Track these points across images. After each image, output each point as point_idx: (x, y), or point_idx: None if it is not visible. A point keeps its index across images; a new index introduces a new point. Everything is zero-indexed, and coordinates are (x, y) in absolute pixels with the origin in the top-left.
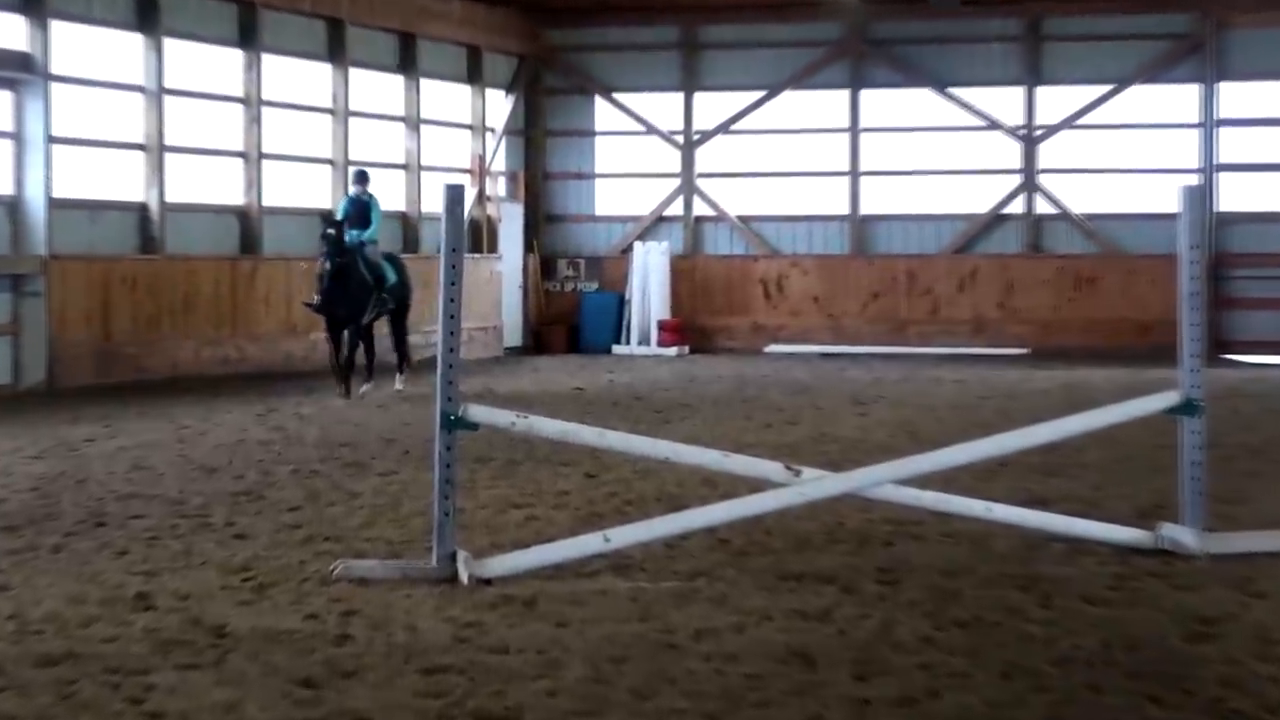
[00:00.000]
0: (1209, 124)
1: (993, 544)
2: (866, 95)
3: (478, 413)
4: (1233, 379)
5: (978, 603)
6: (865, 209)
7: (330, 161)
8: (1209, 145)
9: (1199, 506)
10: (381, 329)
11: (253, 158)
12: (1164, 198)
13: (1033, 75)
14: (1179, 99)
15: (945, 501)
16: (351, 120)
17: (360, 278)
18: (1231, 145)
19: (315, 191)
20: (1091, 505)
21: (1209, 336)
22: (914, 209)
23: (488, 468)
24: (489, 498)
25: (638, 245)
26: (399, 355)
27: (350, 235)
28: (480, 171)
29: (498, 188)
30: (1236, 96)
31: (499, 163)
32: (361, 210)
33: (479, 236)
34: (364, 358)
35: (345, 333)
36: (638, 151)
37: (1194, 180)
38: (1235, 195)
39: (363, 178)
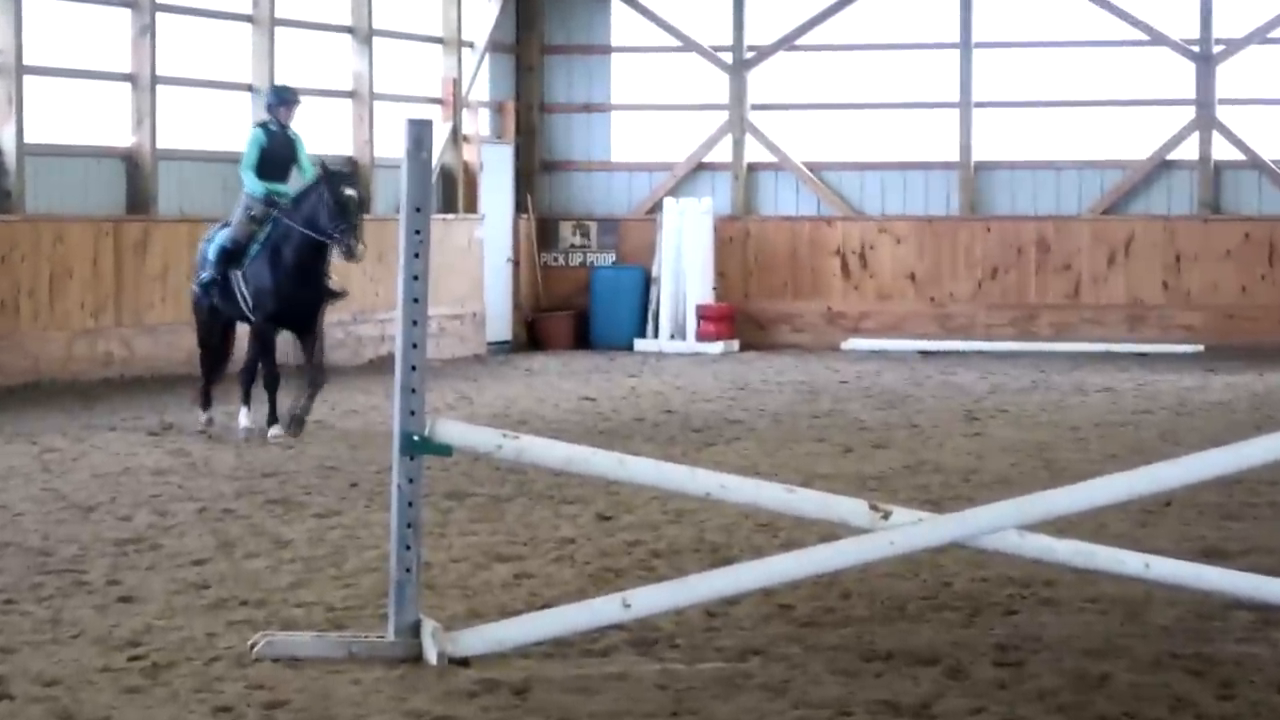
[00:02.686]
0: None
1: (1153, 613)
2: (982, 1)
3: (451, 432)
4: None
5: (1133, 693)
6: (980, 154)
7: (249, 87)
8: None
9: None
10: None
11: (144, 82)
12: None
13: None
14: None
15: (1088, 555)
16: (279, 31)
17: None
18: None
19: (227, 128)
20: None
21: None
22: (1046, 154)
23: (464, 506)
24: (466, 547)
25: (669, 203)
26: (313, 373)
27: (278, 191)
28: (455, 101)
29: (478, 124)
30: None
31: (480, 90)
32: (285, 151)
33: (453, 190)
34: (305, 373)
35: (286, 338)
36: (671, 75)
37: None
38: None
39: (286, 98)
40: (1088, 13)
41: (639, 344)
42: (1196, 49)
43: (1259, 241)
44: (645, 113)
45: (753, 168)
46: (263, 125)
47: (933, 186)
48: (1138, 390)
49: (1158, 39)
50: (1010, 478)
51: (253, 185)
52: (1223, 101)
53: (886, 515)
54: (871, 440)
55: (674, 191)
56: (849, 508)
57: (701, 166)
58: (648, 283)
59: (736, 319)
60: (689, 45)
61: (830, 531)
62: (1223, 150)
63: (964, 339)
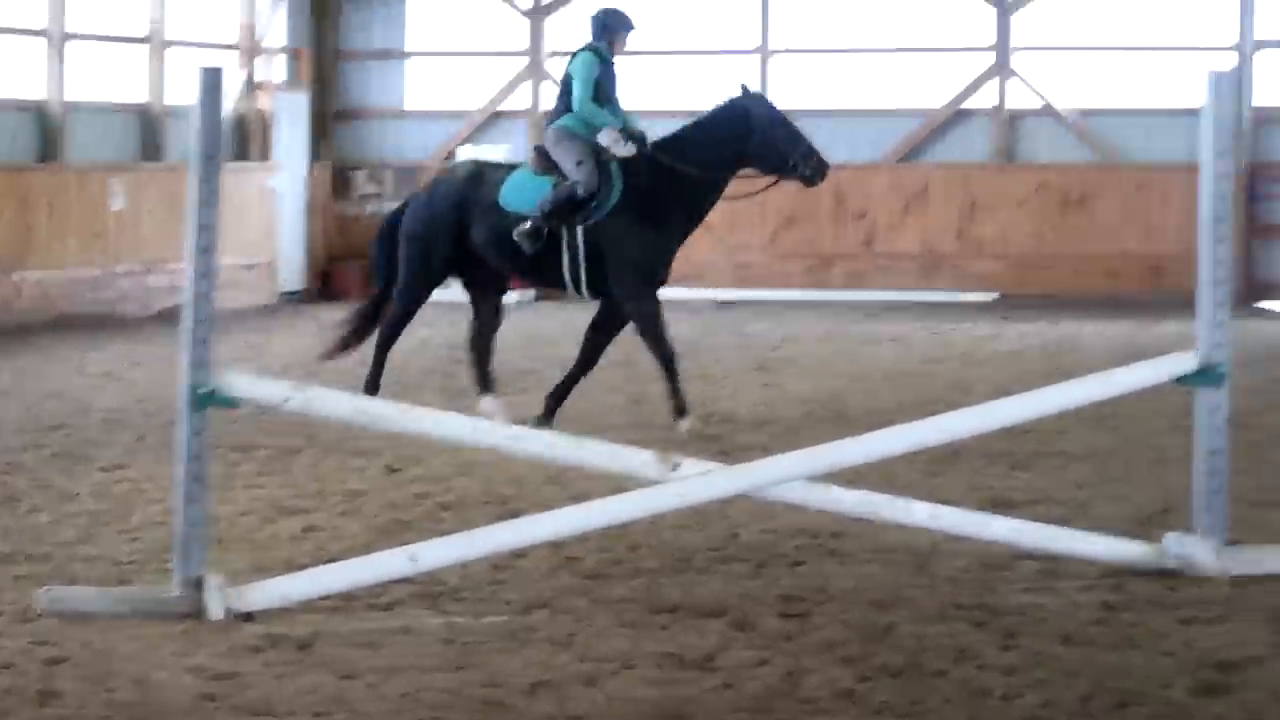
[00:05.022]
0: None
1: (939, 564)
2: None
3: (239, 384)
4: (1272, 335)
5: (917, 644)
6: (778, 101)
7: (44, 34)
8: (1247, 15)
9: (1218, 511)
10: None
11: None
12: (1185, 87)
13: None
14: None
15: (875, 505)
16: None
17: None
18: (1278, 15)
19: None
20: (1074, 510)
21: (1240, 277)
22: (841, 103)
23: (252, 459)
24: (253, 501)
25: (464, 151)
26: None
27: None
28: (250, 48)
29: (274, 70)
30: None
31: (277, 36)
32: (610, 87)
33: (246, 139)
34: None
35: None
36: (469, 21)
37: (1226, 63)
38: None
39: (629, 24)
40: None
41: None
42: None
43: (1053, 190)
44: (444, 60)
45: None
46: (595, 50)
47: None
48: (931, 340)
49: None
50: (801, 428)
51: (604, 118)
52: (1019, 49)
53: (675, 466)
54: (663, 391)
55: (471, 139)
56: (638, 459)
57: (500, 114)
58: None
59: None
60: None
61: (620, 484)
62: (1018, 98)
63: (758, 289)
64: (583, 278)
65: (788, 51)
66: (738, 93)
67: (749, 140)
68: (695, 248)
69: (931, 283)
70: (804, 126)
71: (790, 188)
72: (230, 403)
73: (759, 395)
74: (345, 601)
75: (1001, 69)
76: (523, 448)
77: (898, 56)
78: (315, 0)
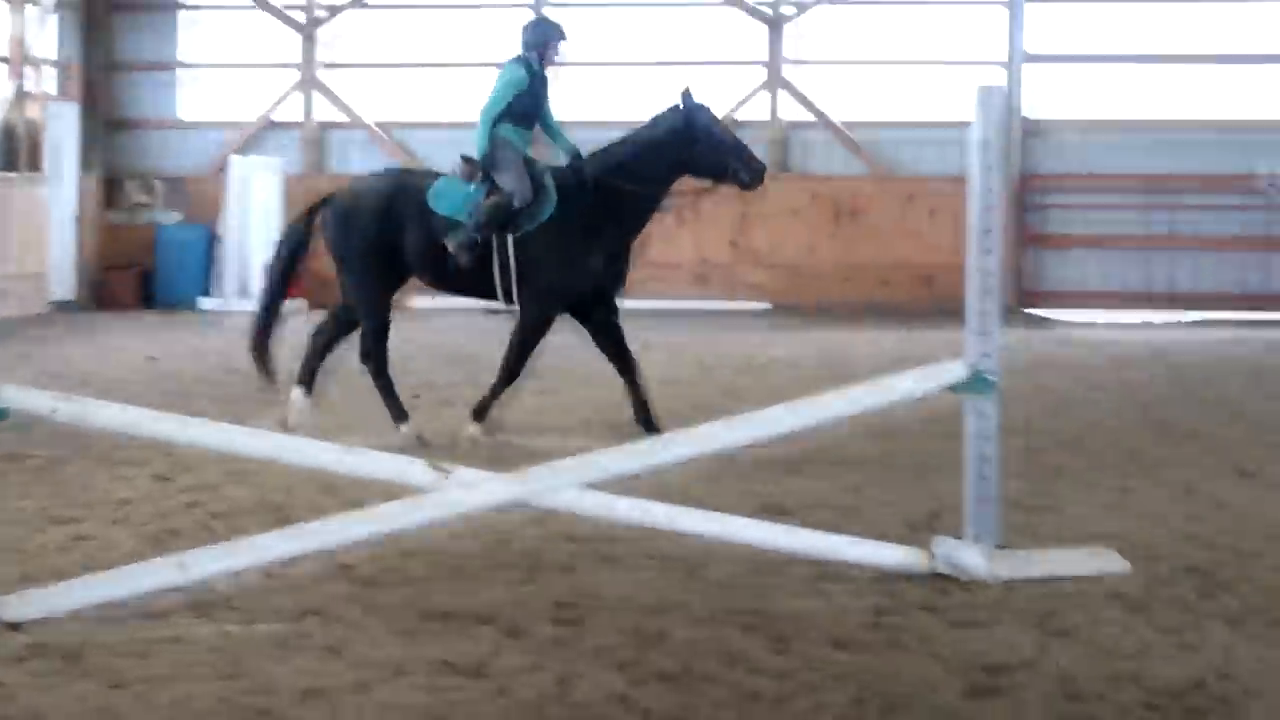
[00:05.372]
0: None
1: (711, 569)
2: None
3: (7, 394)
4: (1042, 343)
5: (689, 649)
6: (566, 113)
7: None
8: (1015, 29)
9: (988, 516)
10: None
11: None
12: (955, 100)
13: None
14: None
15: (647, 512)
16: None
17: None
18: (1045, 29)
19: None
20: (846, 515)
21: (1011, 286)
22: (615, 116)
23: (20, 469)
24: (20, 510)
25: (236, 161)
26: (633, 362)
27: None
28: (19, 60)
29: (44, 82)
30: None
31: (46, 49)
32: (538, 99)
33: (15, 149)
34: (628, 367)
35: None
36: (243, 34)
37: (995, 78)
38: (1048, 97)
39: (563, 34)
40: None
41: (204, 303)
42: (769, 10)
43: (826, 201)
44: (218, 72)
45: (325, 126)
46: (525, 61)
47: None
48: (704, 348)
49: (730, 0)
50: (574, 436)
51: (485, 135)
52: (790, 62)
53: (448, 474)
54: (437, 399)
55: (243, 150)
56: (411, 468)
57: (273, 125)
58: (212, 241)
59: (306, 279)
60: (260, 4)
61: (393, 492)
62: (790, 111)
63: None
64: (513, 288)
65: (570, 65)
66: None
67: (690, 149)
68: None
69: (705, 292)
70: (585, 136)
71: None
72: None
73: (532, 403)
74: (114, 611)
75: (774, 82)
76: (293, 456)
77: (672, 70)
78: (86, 13)
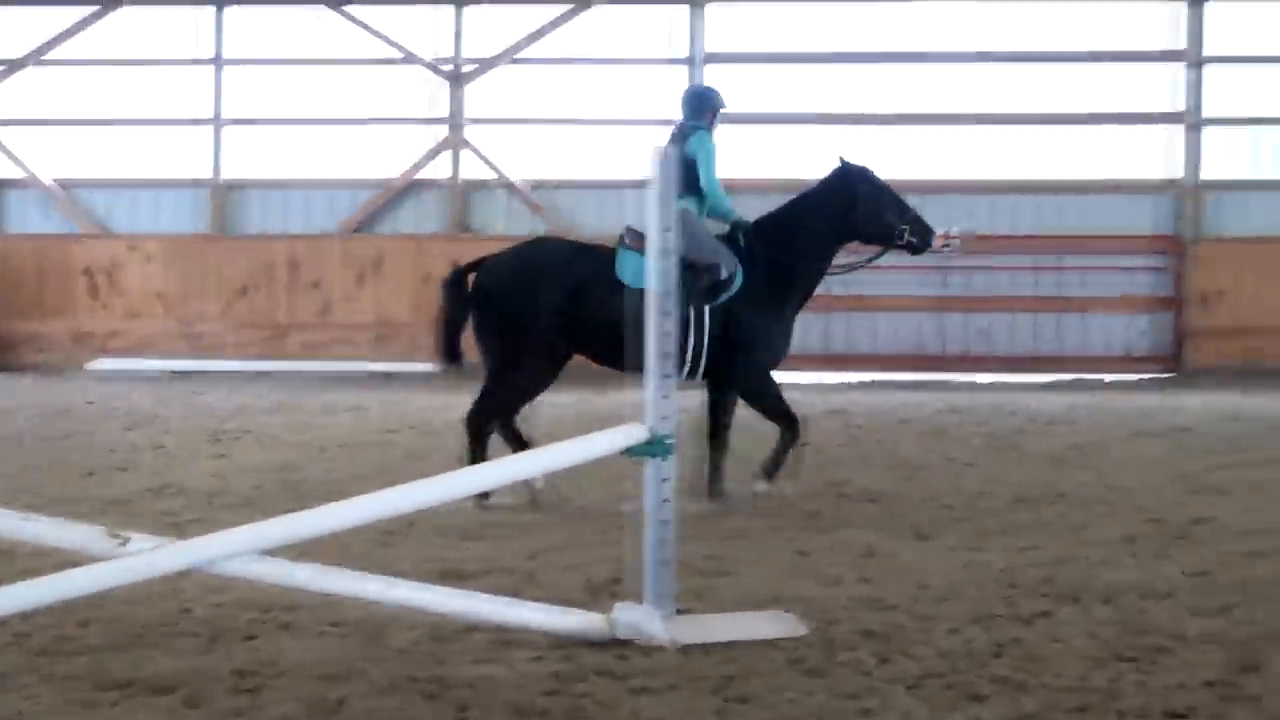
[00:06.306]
0: (695, 58)
1: (393, 636)
2: (234, 14)
3: None
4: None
5: (369, 717)
6: (231, 172)
7: None
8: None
9: (667, 580)
10: None
11: None
12: (634, 159)
13: None
14: (662, 21)
15: (326, 579)
16: None
17: None
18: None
19: None
20: (525, 580)
21: None
22: (299, 173)
23: None
24: None
25: None
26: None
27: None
28: None
29: None
30: (722, 20)
31: None
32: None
33: None
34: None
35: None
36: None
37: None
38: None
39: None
40: (343, 30)
41: None
42: (449, 68)
43: None
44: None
45: (2, 185)
46: (708, 130)
47: (182, 204)
48: (388, 410)
49: (410, 58)
50: (254, 499)
51: (727, 205)
52: (473, 121)
53: (125, 541)
54: (115, 463)
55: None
56: (86, 534)
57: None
58: None
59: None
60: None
61: (68, 559)
62: (473, 169)
63: (214, 359)
64: (703, 361)
65: (242, 123)
66: (836, 164)
67: (853, 214)
68: (148, 318)
69: (388, 353)
70: (259, 196)
71: (248, 256)
72: None
73: (212, 466)
74: None
75: (456, 140)
76: None
77: (355, 128)
78: None
